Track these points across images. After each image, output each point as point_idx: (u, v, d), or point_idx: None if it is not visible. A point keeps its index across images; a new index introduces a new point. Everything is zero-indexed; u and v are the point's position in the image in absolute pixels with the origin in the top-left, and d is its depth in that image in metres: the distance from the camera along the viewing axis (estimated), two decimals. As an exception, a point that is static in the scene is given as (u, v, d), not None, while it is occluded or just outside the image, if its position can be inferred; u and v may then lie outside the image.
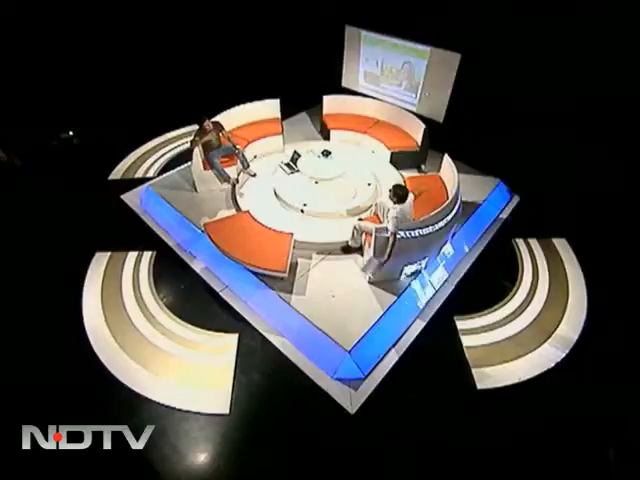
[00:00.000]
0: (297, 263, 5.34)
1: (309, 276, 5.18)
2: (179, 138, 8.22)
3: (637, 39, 5.17)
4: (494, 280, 5.60)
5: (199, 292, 5.24)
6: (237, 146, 6.38)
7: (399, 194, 4.62)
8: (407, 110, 7.38)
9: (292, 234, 5.26)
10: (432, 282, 5.36)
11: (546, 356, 4.69)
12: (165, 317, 4.89)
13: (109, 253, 5.65)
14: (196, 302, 5.15)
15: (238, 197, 6.24)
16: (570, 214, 6.44)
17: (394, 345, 4.67)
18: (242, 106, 7.03)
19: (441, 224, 4.87)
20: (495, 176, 7.01)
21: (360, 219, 5.48)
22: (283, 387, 4.36)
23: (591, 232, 6.25)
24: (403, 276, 5.14)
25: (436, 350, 4.72)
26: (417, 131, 6.94)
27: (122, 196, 6.63)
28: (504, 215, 6.61)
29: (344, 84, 8.53)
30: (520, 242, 6.15)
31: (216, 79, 9.50)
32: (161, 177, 6.95)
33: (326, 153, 6.51)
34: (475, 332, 4.90)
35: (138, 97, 9.15)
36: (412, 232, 4.60)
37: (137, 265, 5.52)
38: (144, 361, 4.48)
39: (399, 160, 6.96)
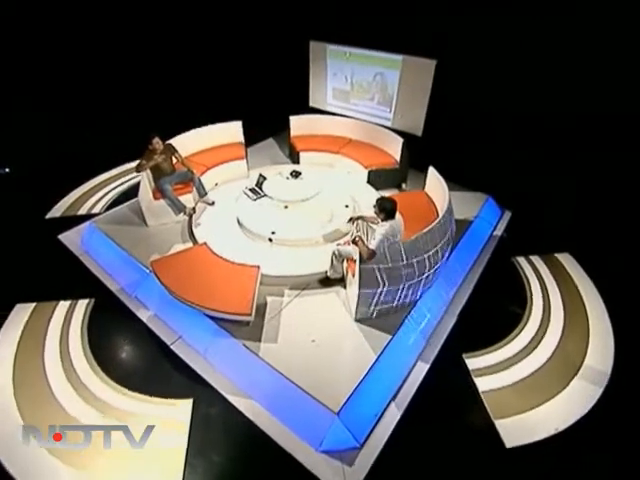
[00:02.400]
0: (266, 303, 4.25)
1: (282, 318, 4.09)
2: (131, 172, 6.94)
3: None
4: (501, 306, 4.62)
5: (145, 347, 4.06)
6: (193, 171, 5.42)
7: (386, 208, 3.69)
8: (382, 126, 6.61)
9: (259, 267, 4.23)
10: (430, 313, 4.41)
11: (580, 395, 3.66)
12: (98, 382, 3.65)
13: (33, 304, 4.42)
14: (140, 360, 3.99)
15: (194, 229, 5.19)
16: (569, 227, 5.61)
17: (394, 398, 3.56)
18: (199, 129, 6.13)
19: (441, 244, 4.02)
20: (482, 191, 6.27)
21: (339, 244, 4.55)
22: (253, 469, 3.15)
23: (594, 243, 5.42)
24: (395, 306, 4.17)
25: (446, 399, 3.65)
26: (395, 147, 6.13)
27: (60, 236, 5.47)
28: (498, 232, 5.79)
29: (312, 104, 7.76)
30: (521, 260, 5.27)
31: (173, 107, 8.33)
32: (109, 212, 5.84)
33: (295, 174, 5.56)
34: (489, 371, 3.85)
35: (88, 124, 7.86)
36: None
37: (68, 317, 4.28)
38: (63, 451, 3.20)
39: (377, 179, 6.08)
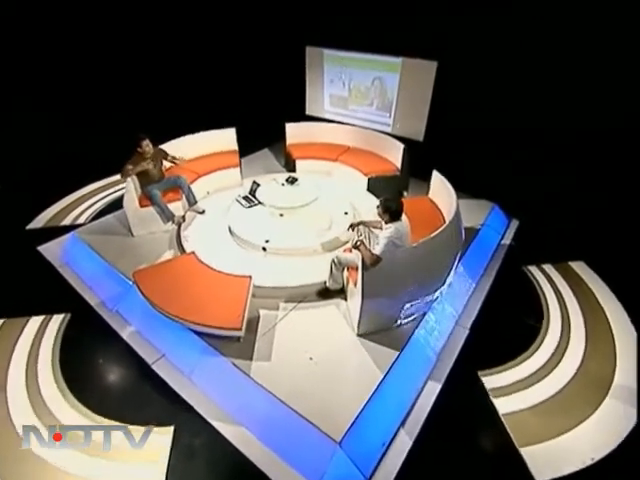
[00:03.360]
0: (258, 317, 3.79)
1: (276, 333, 3.63)
2: (120, 182, 6.37)
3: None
4: (515, 318, 4.17)
5: (123, 367, 3.60)
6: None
7: (391, 208, 3.30)
8: (381, 132, 6.28)
9: (250, 277, 3.80)
10: (440, 327, 3.98)
11: (613, 418, 3.18)
12: (67, 408, 3.15)
13: (0, 321, 3.95)
14: (117, 382, 3.51)
15: (183, 238, 4.77)
16: (581, 235, 5.27)
17: (403, 423, 3.08)
18: (191, 135, 5.76)
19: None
20: (486, 199, 5.92)
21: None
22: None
23: (608, 251, 5.02)
24: (401, 320, 3.76)
25: (463, 424, 3.18)
26: (395, 154, 5.79)
27: (39, 247, 5.03)
28: (506, 241, 5.39)
29: (308, 112, 7.45)
30: (533, 269, 4.87)
31: (165, 115, 7.69)
32: (93, 222, 5.41)
33: (291, 180, 5.19)
34: (509, 391, 3.39)
35: (77, 131, 7.26)
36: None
37: (39, 334, 3.80)
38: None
39: (378, 187, 5.68)
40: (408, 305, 3.52)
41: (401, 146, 5.61)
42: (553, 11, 4.60)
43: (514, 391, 3.37)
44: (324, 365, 3.32)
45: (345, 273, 3.92)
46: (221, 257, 4.20)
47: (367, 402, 2.98)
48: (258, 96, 8.01)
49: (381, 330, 3.60)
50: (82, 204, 6.00)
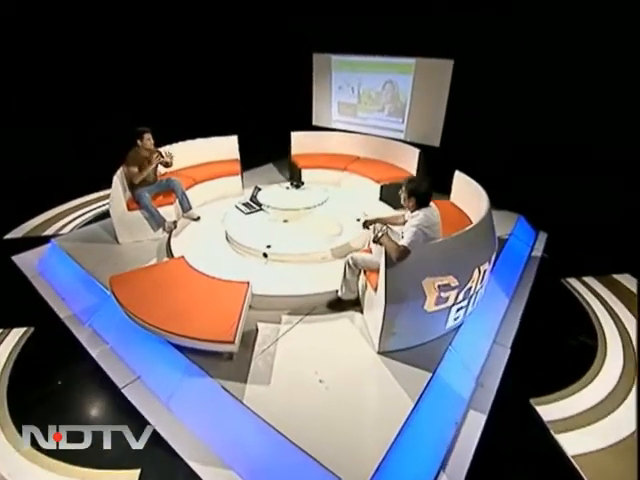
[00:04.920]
0: (256, 331, 3.07)
1: (277, 351, 2.90)
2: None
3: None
4: (562, 335, 3.42)
5: (88, 391, 2.82)
6: (175, 180, 4.51)
7: (419, 191, 2.67)
8: (394, 139, 5.76)
9: (248, 283, 3.14)
10: (475, 345, 3.26)
11: None
12: (4, 447, 2.40)
13: (-50, 336, 3.26)
14: (76, 410, 2.70)
15: (173, 244, 4.11)
16: (618, 246, 4.62)
17: (444, 466, 2.28)
18: (190, 141, 5.24)
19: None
20: (510, 210, 5.27)
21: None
22: None
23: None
24: (429, 337, 3.03)
25: (522, 467, 2.36)
26: (410, 160, 5.22)
27: (14, 257, 4.38)
28: (537, 253, 4.74)
29: (315, 122, 6.98)
30: (573, 282, 4.21)
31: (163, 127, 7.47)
32: (77, 230, 4.85)
33: (297, 184, 4.63)
34: (573, 425, 2.59)
35: (69, 136, 6.58)
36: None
37: (-7, 351, 3.15)
38: None
39: (392, 195, 5.00)
40: (441, 314, 2.84)
41: (416, 151, 5.06)
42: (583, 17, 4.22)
43: (581, 425, 2.57)
44: (338, 390, 2.56)
45: (361, 279, 3.25)
46: (215, 264, 3.51)
47: (396, 438, 2.23)
48: (261, 109, 7.62)
49: (407, 347, 2.89)
50: (68, 216, 5.42)
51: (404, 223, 2.98)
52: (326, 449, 2.16)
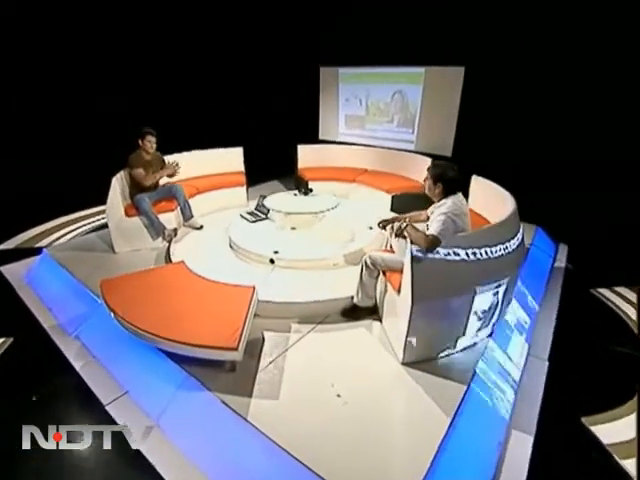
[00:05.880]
0: (262, 340, 2.69)
1: (287, 362, 2.51)
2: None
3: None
4: (602, 345, 3.01)
5: (67, 407, 2.41)
6: (177, 186, 4.23)
7: (447, 175, 2.39)
8: (404, 150, 5.58)
9: (254, 288, 2.78)
10: (510, 356, 2.87)
11: None
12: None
13: None
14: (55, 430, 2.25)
15: (173, 252, 3.78)
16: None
17: (489, 500, 1.95)
18: (194, 152, 5.00)
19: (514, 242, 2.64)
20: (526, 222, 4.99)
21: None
22: None
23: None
24: (459, 347, 2.67)
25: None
26: (421, 170, 4.95)
27: (2, 268, 4.02)
28: (560, 264, 4.41)
29: (322, 136, 6.81)
30: (605, 292, 3.83)
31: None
32: (72, 240, 4.56)
33: (305, 191, 4.37)
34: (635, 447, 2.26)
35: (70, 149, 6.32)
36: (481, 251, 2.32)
37: (-36, 365, 2.75)
38: None
39: (403, 205, 4.71)
40: (473, 317, 2.48)
41: (428, 160, 4.79)
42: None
43: (646, 447, 2.19)
44: (358, 405, 2.16)
45: (380, 284, 2.88)
46: (218, 272, 3.14)
47: (433, 461, 1.82)
48: (267, 124, 7.44)
49: (434, 357, 2.51)
50: (64, 228, 5.08)
51: (427, 220, 2.69)
52: (347, 475, 1.76)
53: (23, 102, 5.89)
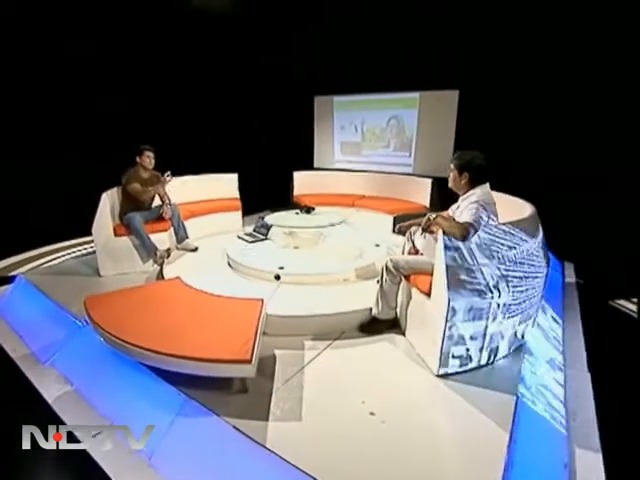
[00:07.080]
0: (274, 358, 2.32)
1: (305, 379, 2.13)
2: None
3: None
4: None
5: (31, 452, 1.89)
6: (167, 199, 3.91)
7: (474, 163, 2.20)
8: (401, 174, 5.55)
9: (262, 300, 2.43)
10: (543, 367, 2.52)
11: None
12: None
13: None
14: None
15: (166, 273, 3.39)
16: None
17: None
18: (188, 177, 4.75)
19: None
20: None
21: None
22: None
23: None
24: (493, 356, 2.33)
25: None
26: (421, 192, 4.95)
27: (-30, 297, 3.61)
28: (569, 279, 4.25)
29: (317, 164, 6.69)
30: (624, 303, 3.60)
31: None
32: (52, 265, 4.14)
33: (307, 209, 4.12)
34: None
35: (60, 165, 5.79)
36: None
37: None
38: None
39: (405, 227, 4.69)
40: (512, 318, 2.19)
41: (428, 181, 4.79)
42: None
43: None
44: (397, 424, 1.79)
45: (400, 294, 2.59)
46: (218, 288, 2.70)
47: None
48: (261, 153, 7.28)
49: (473, 367, 2.16)
50: (45, 257, 4.63)
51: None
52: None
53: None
